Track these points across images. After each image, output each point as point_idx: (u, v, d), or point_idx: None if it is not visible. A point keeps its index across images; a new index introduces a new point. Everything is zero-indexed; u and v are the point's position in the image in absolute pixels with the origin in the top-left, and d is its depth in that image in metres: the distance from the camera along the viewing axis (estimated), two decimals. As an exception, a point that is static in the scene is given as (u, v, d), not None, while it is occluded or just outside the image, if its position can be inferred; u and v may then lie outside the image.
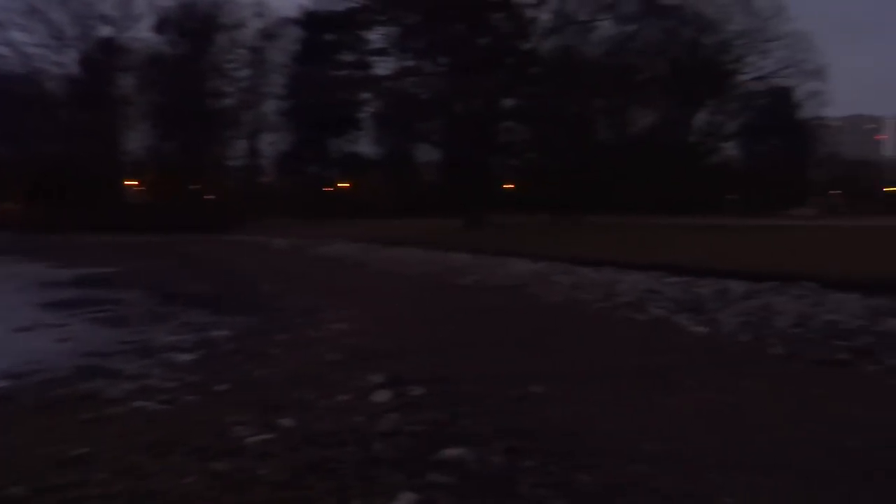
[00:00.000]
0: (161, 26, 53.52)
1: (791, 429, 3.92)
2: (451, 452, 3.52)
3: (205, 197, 56.28)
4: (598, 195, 41.86)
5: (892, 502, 2.95)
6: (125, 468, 3.37)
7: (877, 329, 6.05)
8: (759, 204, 59.83)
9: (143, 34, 52.94)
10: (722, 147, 61.43)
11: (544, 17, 33.56)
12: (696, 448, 3.62)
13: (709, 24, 51.47)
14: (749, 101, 57.06)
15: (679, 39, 49.50)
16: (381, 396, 4.67)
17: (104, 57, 52.50)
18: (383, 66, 38.19)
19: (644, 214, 37.88)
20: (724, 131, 59.61)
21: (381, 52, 38.09)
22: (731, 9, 51.82)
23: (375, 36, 38.34)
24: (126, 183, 57.01)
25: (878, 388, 4.73)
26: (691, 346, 6.34)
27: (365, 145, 59.92)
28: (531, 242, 18.60)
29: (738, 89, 56.47)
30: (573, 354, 6.11)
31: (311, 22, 51.15)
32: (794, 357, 5.67)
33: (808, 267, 9.20)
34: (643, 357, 5.92)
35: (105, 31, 52.70)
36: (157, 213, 49.59)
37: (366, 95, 39.82)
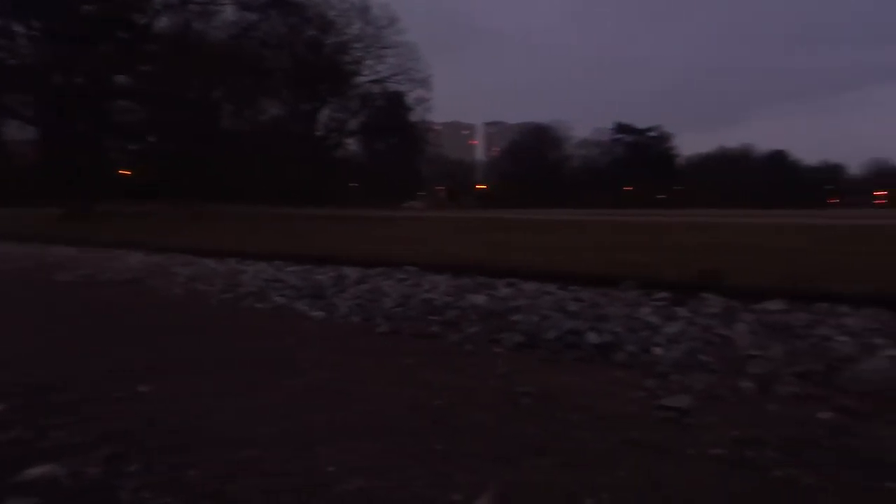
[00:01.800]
0: None
1: (390, 396, 4.39)
2: (37, 471, 3.11)
3: None
4: (223, 184, 40.79)
5: (499, 445, 3.52)
6: None
7: (461, 304, 7.11)
8: (378, 196, 65.36)
9: None
10: (346, 142, 65.45)
11: (161, -9, 31.25)
12: (307, 425, 3.83)
13: (330, 25, 54.10)
14: (367, 101, 61.80)
15: (302, 36, 50.94)
16: (-55, 419, 3.87)
17: None
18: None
19: (270, 205, 38.22)
20: (347, 128, 63.55)
21: (-53, 4, 31.07)
22: (350, 13, 55.34)
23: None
24: None
25: (458, 354, 5.59)
26: (309, 330, 6.64)
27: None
28: (149, 233, 17.27)
29: (358, 90, 60.71)
30: (191, 348, 5.88)
31: None
32: (397, 333, 6.37)
33: (410, 252, 10.37)
34: (263, 344, 6.00)
35: None
36: None
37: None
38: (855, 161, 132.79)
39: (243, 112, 48.77)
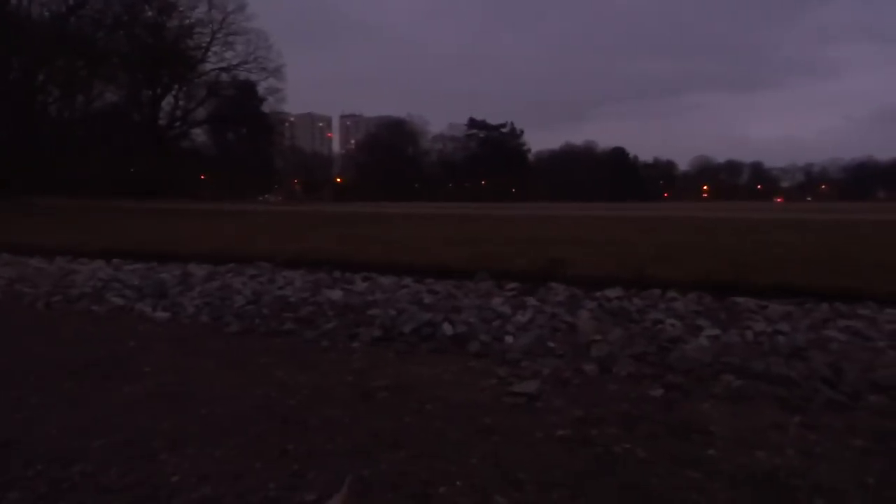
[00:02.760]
0: None
1: (240, 398, 4.22)
2: None
3: None
4: (54, 176, 37.14)
5: (354, 441, 3.46)
6: None
7: (316, 300, 6.98)
8: (230, 190, 62.46)
9: None
10: (192, 132, 61.87)
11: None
12: (149, 433, 3.58)
13: (171, 7, 50.90)
14: (215, 90, 58.80)
15: (141, 18, 47.52)
16: None
17: None
18: None
19: (109, 198, 35.40)
20: (193, 117, 60.07)
21: None
22: (194, -5, 52.28)
23: None
24: None
25: (313, 351, 5.47)
26: (152, 332, 6.22)
27: None
28: (-38, 230, 15.39)
29: (204, 77, 57.64)
30: (12, 356, 5.32)
31: None
32: (249, 332, 6.13)
33: (263, 248, 10.02)
34: (99, 349, 5.54)
35: None
36: None
37: None
38: (684, 158, 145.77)
39: (74, 98, 44.71)
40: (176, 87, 56.61)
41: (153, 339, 5.91)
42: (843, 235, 12.74)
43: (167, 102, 57.67)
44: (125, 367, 4.96)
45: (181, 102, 58.49)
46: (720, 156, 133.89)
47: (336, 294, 7.08)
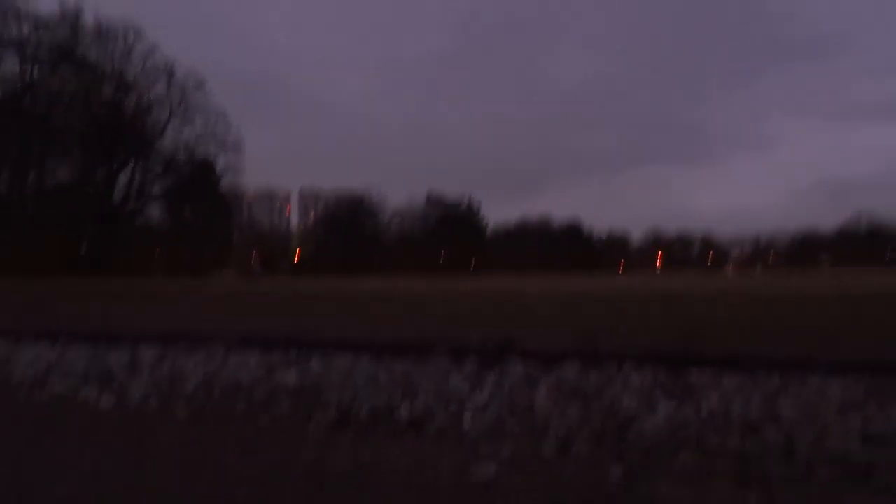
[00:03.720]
0: None
1: (184, 487, 4.03)
2: None
3: None
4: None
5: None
6: None
7: (270, 382, 6.80)
8: (186, 266, 61.51)
9: None
10: (148, 208, 61.30)
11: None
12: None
13: (130, 84, 51.25)
14: (172, 166, 58.76)
15: (99, 95, 47.65)
16: None
17: None
18: None
19: (57, 275, 34.43)
20: (149, 193, 59.63)
21: None
22: (152, 73, 52.88)
23: None
24: None
25: (266, 436, 5.29)
26: (94, 422, 5.95)
27: None
28: None
29: (162, 153, 57.63)
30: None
31: None
32: (198, 417, 5.91)
33: (218, 327, 9.80)
34: (30, 448, 5.26)
35: None
36: None
37: None
38: (637, 230, 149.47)
39: (26, 175, 44.06)
40: (132, 162, 56.35)
41: (95, 427, 5.65)
42: (791, 304, 13.11)
43: (123, 178, 57.27)
44: (59, 458, 4.71)
45: (137, 177, 58.12)
46: (672, 227, 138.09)
47: (291, 376, 6.92)
